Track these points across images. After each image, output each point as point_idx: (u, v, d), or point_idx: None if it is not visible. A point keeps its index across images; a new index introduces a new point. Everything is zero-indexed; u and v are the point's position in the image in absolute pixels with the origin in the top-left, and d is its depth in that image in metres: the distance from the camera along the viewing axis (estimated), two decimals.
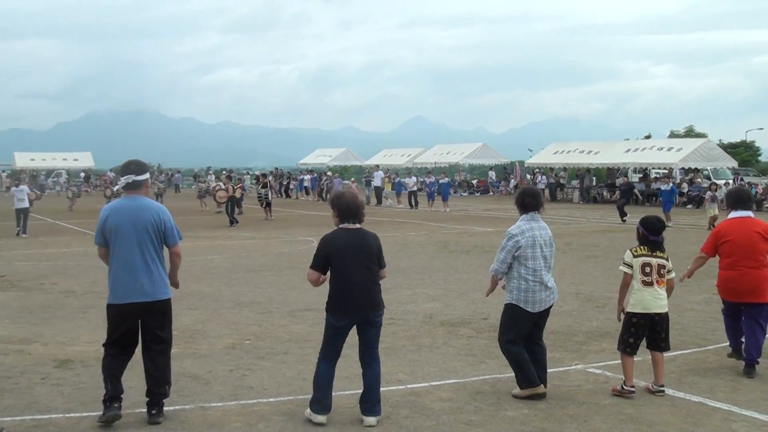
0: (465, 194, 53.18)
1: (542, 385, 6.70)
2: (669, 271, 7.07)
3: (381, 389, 6.45)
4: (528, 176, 52.66)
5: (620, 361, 7.05)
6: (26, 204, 23.11)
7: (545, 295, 6.80)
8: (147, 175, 6.57)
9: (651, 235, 7.07)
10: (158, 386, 6.28)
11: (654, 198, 37.31)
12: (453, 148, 60.04)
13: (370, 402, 6.24)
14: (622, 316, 7.19)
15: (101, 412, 6.10)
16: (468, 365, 7.97)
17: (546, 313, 6.96)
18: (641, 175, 41.98)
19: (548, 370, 7.28)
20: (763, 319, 7.59)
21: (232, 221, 26.72)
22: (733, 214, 7.82)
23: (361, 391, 6.33)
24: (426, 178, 39.68)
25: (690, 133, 64.00)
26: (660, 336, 7.00)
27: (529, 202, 6.96)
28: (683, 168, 40.23)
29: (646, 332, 7.00)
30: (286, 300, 11.64)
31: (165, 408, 6.40)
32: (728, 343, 8.02)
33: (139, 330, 6.36)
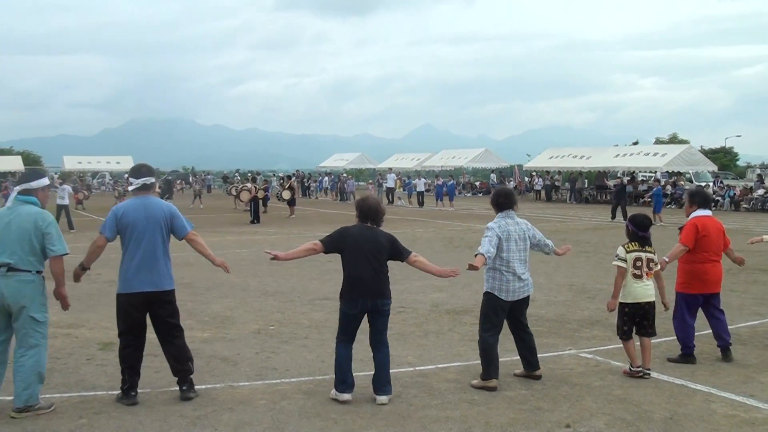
0: (469, 195, 53.15)
1: (495, 379, 6.55)
2: (656, 264, 7.07)
3: (392, 371, 6.46)
4: (526, 178, 52.59)
5: (611, 347, 7.01)
6: (66, 201, 23.46)
7: (518, 285, 6.67)
8: (154, 178, 6.58)
9: (640, 232, 7.05)
10: (181, 364, 6.29)
11: (640, 199, 37.19)
12: (458, 153, 59.93)
13: (380, 382, 6.24)
14: (613, 306, 7.16)
15: (120, 397, 6.14)
16: (471, 350, 7.95)
17: (523, 303, 6.82)
18: (629, 178, 41.83)
19: (544, 355, 7.28)
20: (719, 306, 7.66)
21: (254, 220, 26.78)
22: (701, 212, 7.70)
23: (372, 372, 6.34)
24: (436, 181, 39.75)
25: (674, 140, 63.69)
26: (647, 323, 6.99)
27: (503, 201, 6.87)
28: (667, 171, 40.04)
29: (636, 319, 6.99)
30: (306, 290, 11.67)
31: (198, 386, 6.42)
32: (681, 344, 7.58)
33: (147, 319, 6.34)
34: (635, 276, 6.95)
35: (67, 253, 6.11)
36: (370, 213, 6.43)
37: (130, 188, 6.46)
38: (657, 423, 5.66)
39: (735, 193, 35.17)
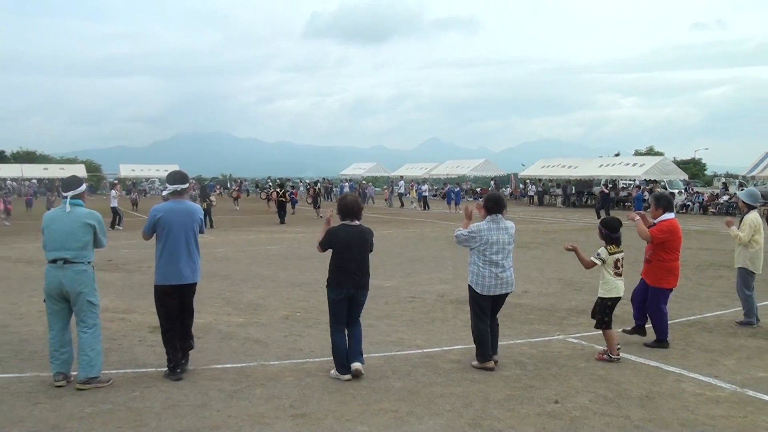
0: (471, 200, 52.96)
1: (492, 361, 6.49)
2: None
3: (402, 353, 6.43)
4: (521, 185, 52.36)
5: (595, 333, 6.96)
6: (114, 204, 24.25)
7: (495, 282, 6.45)
8: (188, 184, 6.57)
9: (613, 234, 6.91)
10: (185, 341, 6.38)
11: (621, 204, 36.98)
12: (461, 162, 59.78)
13: (354, 352, 6.27)
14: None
15: (167, 373, 6.19)
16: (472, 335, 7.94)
17: (500, 299, 6.61)
18: (611, 185, 41.63)
19: (536, 340, 7.26)
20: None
21: (281, 221, 26.84)
22: (669, 216, 7.50)
23: (386, 353, 6.33)
24: (445, 188, 39.88)
25: (650, 152, 63.39)
26: (611, 315, 6.91)
27: (491, 206, 6.70)
28: (645, 180, 39.80)
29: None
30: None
31: (233, 365, 6.45)
32: (659, 332, 7.41)
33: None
34: (617, 274, 6.86)
35: (103, 247, 6.38)
36: (350, 210, 6.36)
37: (164, 192, 6.55)
38: (634, 400, 5.63)
39: (703, 199, 35.00)
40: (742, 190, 9.00)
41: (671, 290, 7.52)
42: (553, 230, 23.16)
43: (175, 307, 6.30)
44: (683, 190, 37.89)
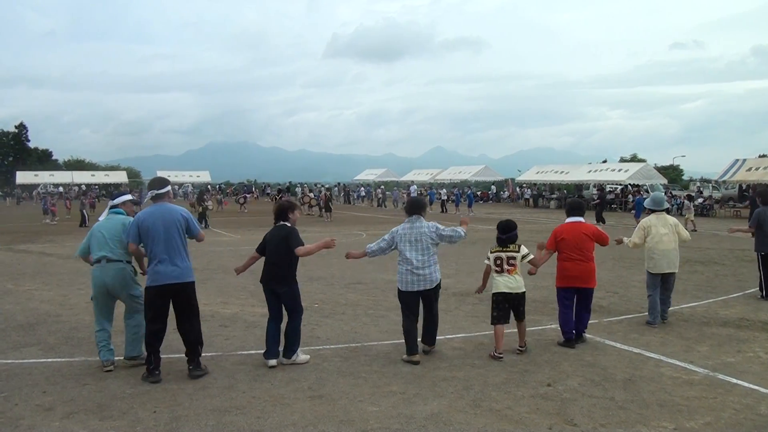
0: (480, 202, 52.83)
1: (417, 354, 6.22)
2: (524, 257, 6.54)
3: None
4: (517, 189, 52.17)
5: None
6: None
7: (413, 278, 6.26)
8: (168, 188, 6.03)
9: (501, 235, 6.64)
10: (193, 344, 5.90)
11: (608, 206, 36.78)
12: (463, 169, 59.62)
13: (288, 348, 6.19)
14: (479, 291, 6.96)
15: (147, 376, 5.72)
16: (473, 324, 7.95)
17: (425, 294, 6.33)
18: (599, 189, 41.46)
19: (532, 329, 7.22)
20: (589, 303, 7.06)
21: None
22: (569, 219, 7.27)
23: (395, 341, 6.32)
24: (454, 190, 39.86)
25: (634, 159, 62.96)
26: (519, 309, 6.53)
27: (408, 209, 6.67)
28: (630, 184, 39.57)
29: (507, 306, 6.51)
30: (344, 276, 11.66)
31: (259, 351, 6.45)
32: (563, 330, 6.92)
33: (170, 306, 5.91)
34: (497, 272, 6.56)
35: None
36: (279, 212, 6.36)
37: (145, 199, 6.46)
38: (618, 383, 5.61)
39: (683, 201, 34.78)
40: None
41: (560, 290, 7.09)
42: (547, 230, 23.03)
43: (162, 309, 5.80)
44: (663, 193, 37.79)
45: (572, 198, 7.66)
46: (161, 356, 5.84)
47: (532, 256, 6.64)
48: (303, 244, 6.17)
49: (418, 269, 6.28)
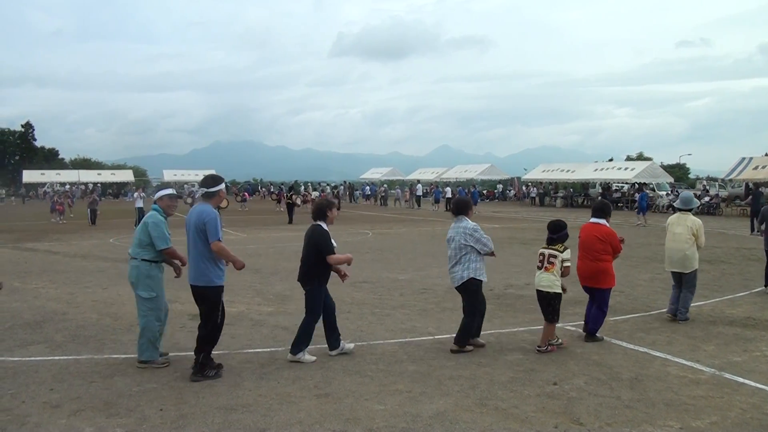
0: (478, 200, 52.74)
1: (470, 342, 6.53)
2: (563, 261, 6.53)
3: (416, 339, 6.41)
4: (523, 188, 52.08)
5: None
6: (140, 204, 24.38)
7: (450, 276, 6.67)
8: (218, 187, 5.89)
9: (552, 234, 6.71)
10: (197, 350, 5.80)
11: (614, 204, 36.71)
12: (469, 167, 59.55)
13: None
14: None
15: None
16: None
17: (458, 290, 6.65)
18: (605, 187, 41.37)
19: (537, 328, 7.19)
20: (601, 303, 7.04)
21: (290, 221, 26.51)
22: (591, 220, 7.29)
23: (401, 340, 6.30)
24: (460, 188, 39.89)
25: (640, 157, 62.77)
26: (551, 308, 6.50)
27: (453, 210, 6.79)
28: (636, 183, 39.48)
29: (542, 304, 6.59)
30: (350, 274, 11.63)
31: (263, 349, 6.46)
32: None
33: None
34: (537, 267, 6.65)
35: (159, 248, 6.11)
36: (317, 211, 6.48)
37: (196, 195, 6.49)
38: (625, 382, 5.60)
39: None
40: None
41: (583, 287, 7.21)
42: None
43: (199, 308, 5.88)
44: (669, 192, 37.54)
45: (599, 201, 7.70)
46: (169, 354, 5.86)
47: (569, 264, 6.58)
48: (333, 252, 6.30)
49: (449, 267, 6.65)
